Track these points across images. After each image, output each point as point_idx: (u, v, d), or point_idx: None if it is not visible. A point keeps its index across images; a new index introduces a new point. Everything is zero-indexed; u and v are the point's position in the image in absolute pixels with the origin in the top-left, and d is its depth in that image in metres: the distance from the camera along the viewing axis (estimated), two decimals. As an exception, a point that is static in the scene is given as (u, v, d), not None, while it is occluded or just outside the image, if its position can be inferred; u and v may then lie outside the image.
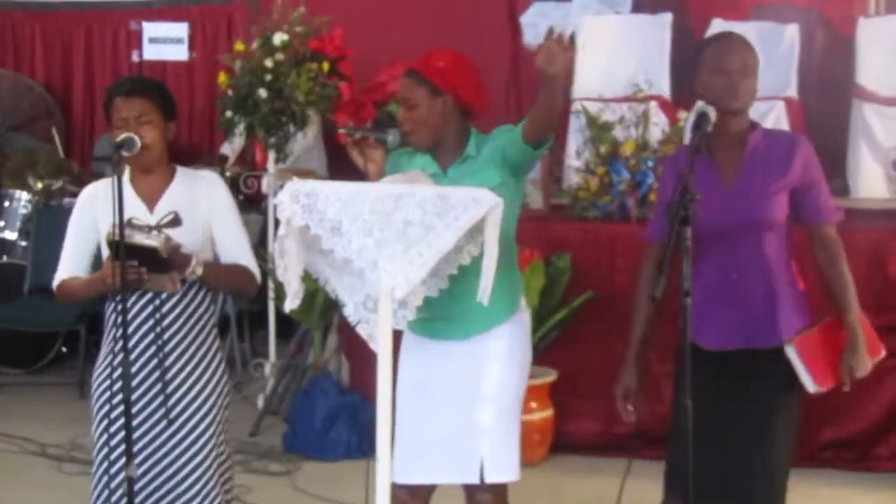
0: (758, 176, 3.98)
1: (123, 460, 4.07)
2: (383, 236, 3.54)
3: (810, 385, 3.99)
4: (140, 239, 4.06)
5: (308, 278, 3.96)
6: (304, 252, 3.84)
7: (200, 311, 4.33)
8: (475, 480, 4.13)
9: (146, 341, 4.24)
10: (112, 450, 4.22)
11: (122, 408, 4.02)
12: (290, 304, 3.87)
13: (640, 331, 4.18)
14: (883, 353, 4.15)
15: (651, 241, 4.22)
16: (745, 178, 3.90)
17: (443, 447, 4.12)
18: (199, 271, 4.20)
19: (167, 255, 4.09)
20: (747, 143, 4.01)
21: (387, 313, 3.62)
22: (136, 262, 4.03)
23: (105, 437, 4.24)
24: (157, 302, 4.23)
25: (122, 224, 3.92)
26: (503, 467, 4.16)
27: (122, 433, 4.04)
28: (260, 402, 7.49)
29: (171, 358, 4.25)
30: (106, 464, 4.23)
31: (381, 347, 3.63)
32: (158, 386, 4.24)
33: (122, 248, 3.95)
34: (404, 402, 4.23)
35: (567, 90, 8.44)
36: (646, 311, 4.15)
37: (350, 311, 4.00)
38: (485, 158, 4.15)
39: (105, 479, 4.23)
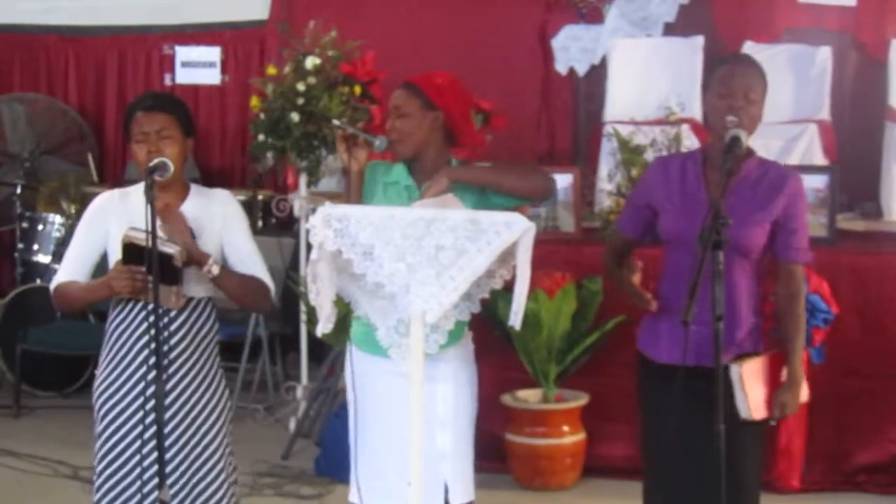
0: (741, 202, 3.96)
1: (156, 481, 4.07)
2: (415, 261, 3.54)
3: (743, 411, 3.97)
4: (158, 245, 4.04)
5: (340, 301, 3.97)
6: (337, 276, 3.84)
7: (205, 330, 4.32)
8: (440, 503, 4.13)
9: (144, 355, 4.20)
10: (144, 470, 4.21)
11: (154, 429, 4.01)
12: (323, 327, 3.87)
13: (622, 273, 4.29)
14: (807, 398, 4.19)
15: (621, 229, 4.31)
16: (730, 202, 3.84)
17: (404, 471, 4.02)
18: (216, 271, 4.18)
19: (180, 266, 4.08)
20: (740, 169, 3.98)
21: (418, 337, 3.62)
22: (144, 268, 4.02)
23: (137, 457, 4.23)
24: (165, 320, 4.20)
25: (155, 249, 3.93)
26: (465, 489, 4.19)
27: (155, 454, 4.04)
28: (292, 425, 7.50)
29: (175, 378, 4.23)
30: (139, 483, 4.22)
31: (413, 371, 3.64)
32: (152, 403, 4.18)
33: (155, 265, 3.93)
34: (361, 424, 4.19)
35: (598, 113, 8.48)
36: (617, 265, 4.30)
37: (382, 335, 4.01)
38: (462, 186, 4.11)
39: (138, 497, 4.22)
